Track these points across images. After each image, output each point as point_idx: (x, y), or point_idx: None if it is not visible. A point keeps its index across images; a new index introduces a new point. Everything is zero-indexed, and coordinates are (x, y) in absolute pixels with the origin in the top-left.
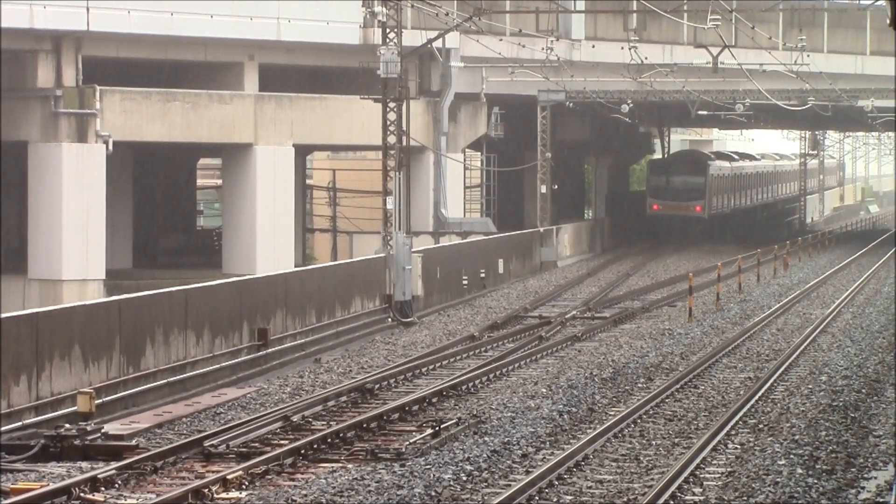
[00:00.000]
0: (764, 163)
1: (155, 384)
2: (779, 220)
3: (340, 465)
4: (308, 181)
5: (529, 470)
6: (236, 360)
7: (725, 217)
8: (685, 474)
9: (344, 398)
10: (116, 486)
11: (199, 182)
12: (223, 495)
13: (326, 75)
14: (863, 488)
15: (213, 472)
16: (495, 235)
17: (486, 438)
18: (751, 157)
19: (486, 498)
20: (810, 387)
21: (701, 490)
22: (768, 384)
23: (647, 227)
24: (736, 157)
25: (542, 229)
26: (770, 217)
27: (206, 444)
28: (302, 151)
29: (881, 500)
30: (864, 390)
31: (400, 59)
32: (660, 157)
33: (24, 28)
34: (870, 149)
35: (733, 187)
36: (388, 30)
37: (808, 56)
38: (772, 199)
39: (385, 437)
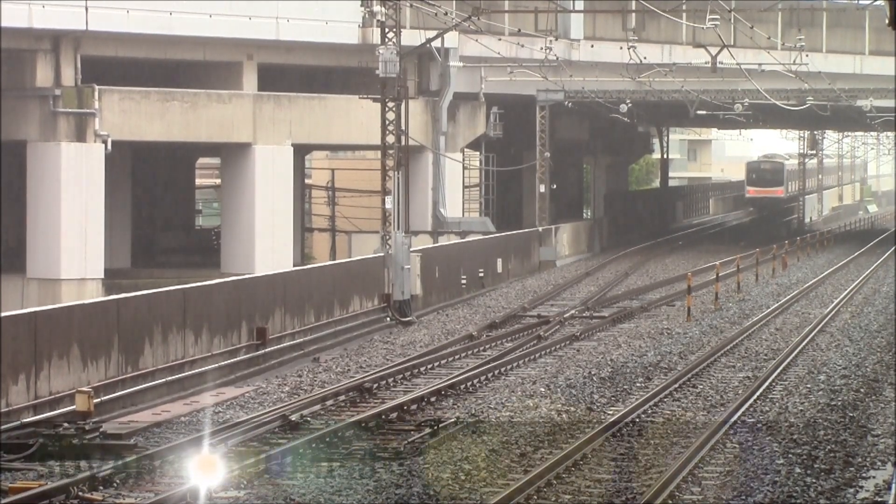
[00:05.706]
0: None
1: (153, 383)
2: (778, 220)
3: (339, 464)
4: (307, 181)
5: (528, 469)
6: (235, 360)
7: (794, 198)
8: (683, 473)
9: (342, 397)
10: (115, 485)
11: (198, 181)
12: (222, 494)
13: (325, 75)
14: (861, 487)
15: None
16: (494, 235)
17: (485, 437)
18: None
19: (484, 497)
20: (809, 386)
21: (699, 489)
22: (767, 383)
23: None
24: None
25: (540, 229)
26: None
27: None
28: (301, 151)
29: (879, 499)
30: (862, 390)
31: (399, 58)
32: (753, 159)
33: (23, 27)
34: (868, 148)
35: (799, 178)
36: (386, 29)
37: (807, 56)
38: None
39: (383, 437)
